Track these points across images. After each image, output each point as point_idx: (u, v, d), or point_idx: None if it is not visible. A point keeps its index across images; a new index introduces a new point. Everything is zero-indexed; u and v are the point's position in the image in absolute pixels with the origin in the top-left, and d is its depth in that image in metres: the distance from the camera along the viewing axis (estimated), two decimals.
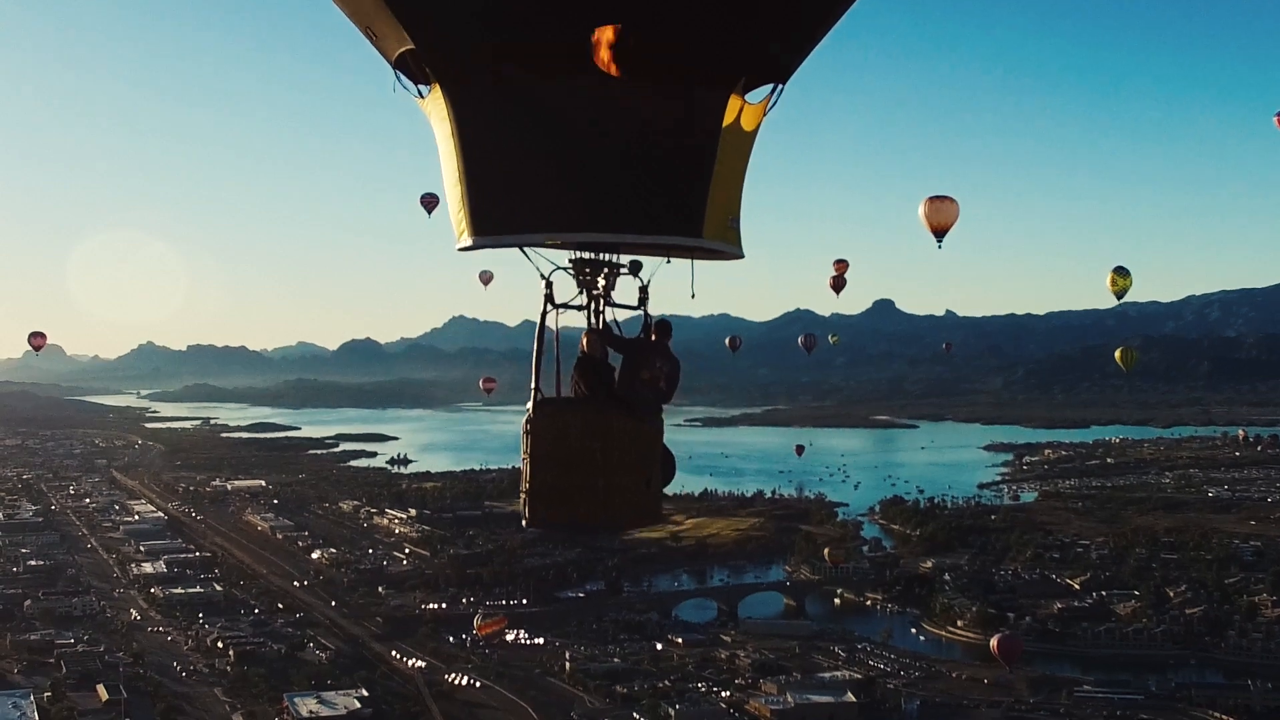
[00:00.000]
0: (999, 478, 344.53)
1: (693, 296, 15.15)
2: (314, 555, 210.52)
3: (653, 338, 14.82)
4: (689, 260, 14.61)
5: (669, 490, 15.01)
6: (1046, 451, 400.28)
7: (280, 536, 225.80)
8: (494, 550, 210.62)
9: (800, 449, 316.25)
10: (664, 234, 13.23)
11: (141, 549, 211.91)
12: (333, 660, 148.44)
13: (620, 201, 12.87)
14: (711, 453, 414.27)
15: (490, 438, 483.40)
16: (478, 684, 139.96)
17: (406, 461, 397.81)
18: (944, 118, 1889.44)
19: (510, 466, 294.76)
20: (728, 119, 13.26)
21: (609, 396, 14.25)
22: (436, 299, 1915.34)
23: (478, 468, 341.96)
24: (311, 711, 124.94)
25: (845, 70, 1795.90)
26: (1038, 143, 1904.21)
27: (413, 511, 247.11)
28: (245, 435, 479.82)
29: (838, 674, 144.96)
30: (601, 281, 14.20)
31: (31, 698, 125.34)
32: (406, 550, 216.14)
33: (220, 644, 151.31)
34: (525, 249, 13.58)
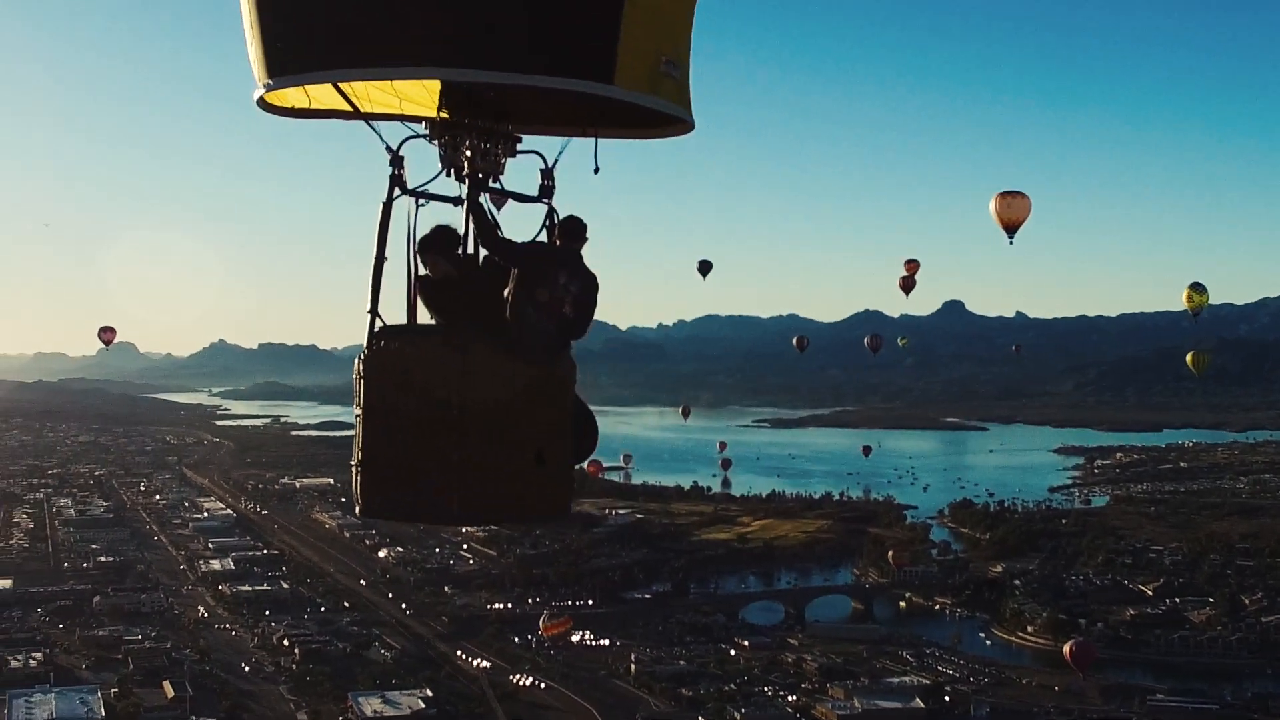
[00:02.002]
0: (1070, 481, 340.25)
1: (595, 171, 10.38)
2: (381, 554, 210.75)
3: (556, 242, 10.48)
4: (619, 132, 10.63)
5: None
6: (1118, 455, 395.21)
7: (347, 535, 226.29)
8: (560, 550, 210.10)
9: (867, 450, 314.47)
10: (547, 74, 8.78)
11: (210, 546, 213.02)
12: (397, 660, 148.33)
13: (480, 23, 8.63)
14: (779, 454, 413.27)
15: None
16: (542, 685, 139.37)
17: None
18: (1015, 116, 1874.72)
19: (577, 466, 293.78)
20: None
21: (482, 326, 9.95)
22: None
23: None
24: (376, 711, 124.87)
25: (917, 68, 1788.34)
26: (1111, 141, 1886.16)
27: None
28: (314, 433, 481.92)
29: (906, 679, 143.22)
30: (477, 156, 9.97)
31: (99, 694, 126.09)
32: (472, 549, 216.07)
33: (286, 642, 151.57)
34: (356, 103, 9.93)
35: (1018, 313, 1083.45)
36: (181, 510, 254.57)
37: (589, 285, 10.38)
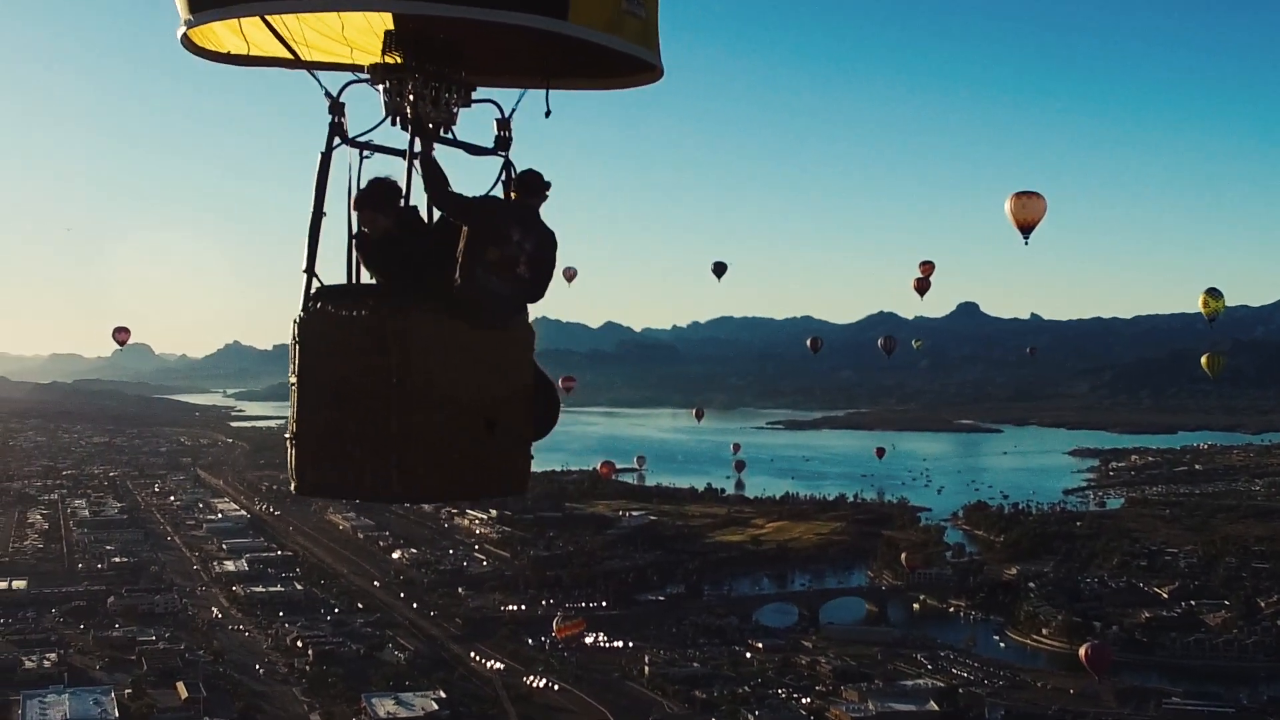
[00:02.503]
0: (1085, 483, 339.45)
1: (547, 115, 9.64)
2: (394, 555, 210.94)
3: (511, 196, 9.71)
4: (579, 82, 10.13)
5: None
6: (1133, 457, 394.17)
7: (361, 536, 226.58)
8: (574, 552, 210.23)
9: (881, 451, 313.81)
10: (496, 7, 8.09)
11: (224, 547, 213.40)
12: (411, 661, 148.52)
13: None
14: (793, 455, 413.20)
15: (572, 439, 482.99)
16: (556, 687, 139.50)
17: None
18: (1030, 117, 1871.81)
19: (591, 468, 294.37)
20: None
21: (427, 286, 9.19)
22: None
23: (559, 469, 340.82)
24: (389, 712, 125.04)
25: (933, 68, 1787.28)
26: (1127, 142, 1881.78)
27: (493, 512, 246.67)
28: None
29: (920, 682, 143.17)
30: (423, 103, 9.29)
31: (113, 694, 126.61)
32: (485, 551, 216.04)
33: (300, 643, 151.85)
34: (296, 49, 9.32)
35: (1032, 314, 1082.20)
36: (196, 511, 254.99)
37: (545, 243, 9.48)
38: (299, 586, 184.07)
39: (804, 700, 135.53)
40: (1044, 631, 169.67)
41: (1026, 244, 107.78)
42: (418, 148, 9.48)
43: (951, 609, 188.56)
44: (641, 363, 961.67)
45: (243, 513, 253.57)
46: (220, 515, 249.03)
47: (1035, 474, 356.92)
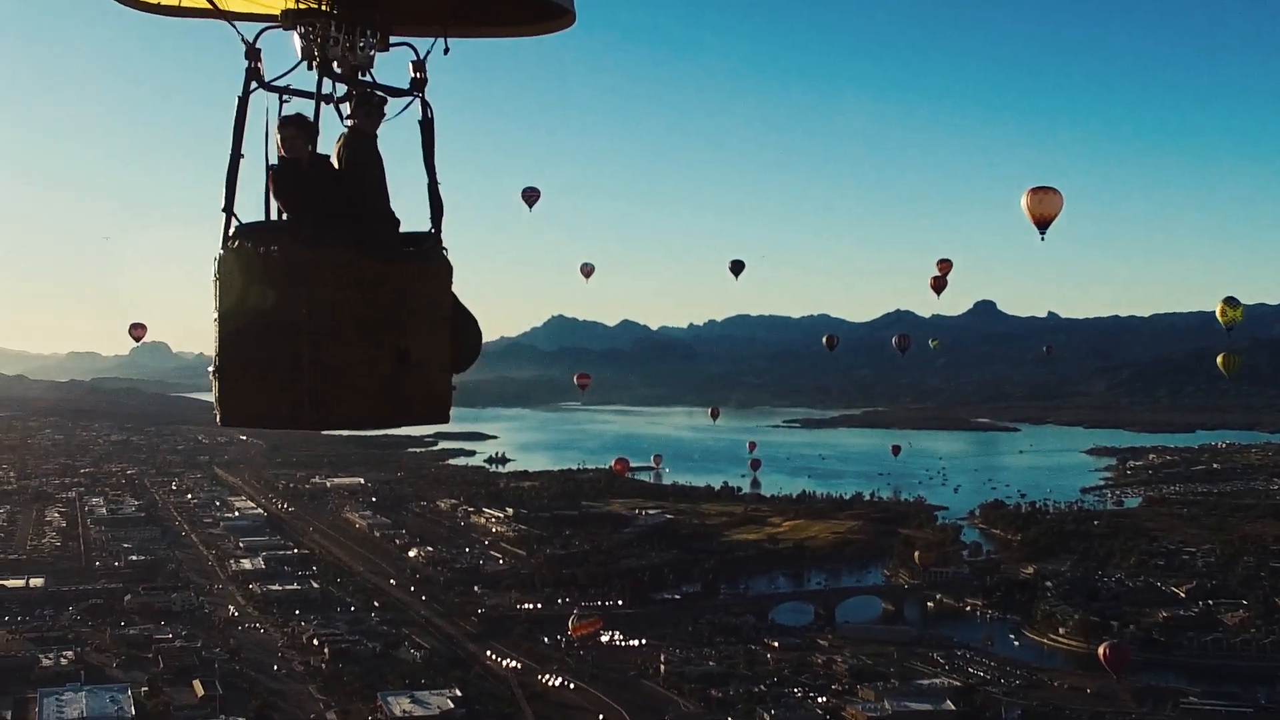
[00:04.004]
0: (1102, 482, 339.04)
1: (445, 52, 9.77)
2: (411, 553, 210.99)
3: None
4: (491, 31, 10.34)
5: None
6: (1151, 456, 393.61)
7: (378, 534, 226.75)
8: (590, 550, 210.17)
9: (896, 449, 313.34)
10: None
11: (241, 545, 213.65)
12: (427, 659, 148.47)
13: None
14: (810, 454, 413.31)
15: (588, 437, 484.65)
16: (571, 685, 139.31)
17: (504, 460, 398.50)
18: (1047, 114, 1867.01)
19: (607, 467, 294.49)
20: None
21: (337, 222, 9.46)
22: (536, 298, 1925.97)
23: (575, 467, 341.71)
24: (405, 711, 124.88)
25: (949, 66, 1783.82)
26: (1144, 140, 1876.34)
27: (510, 511, 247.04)
28: (345, 433, 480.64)
29: (936, 681, 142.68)
30: (338, 48, 9.47)
31: (129, 692, 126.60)
32: (501, 549, 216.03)
33: (316, 641, 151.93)
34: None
35: (1050, 313, 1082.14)
36: (212, 509, 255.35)
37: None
38: (315, 585, 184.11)
39: (820, 699, 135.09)
40: (1061, 631, 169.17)
41: (1043, 239, 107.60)
42: (336, 90, 9.74)
43: (968, 608, 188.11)
44: (658, 361, 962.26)
45: (260, 511, 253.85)
46: (237, 513, 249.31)
47: (1052, 473, 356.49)
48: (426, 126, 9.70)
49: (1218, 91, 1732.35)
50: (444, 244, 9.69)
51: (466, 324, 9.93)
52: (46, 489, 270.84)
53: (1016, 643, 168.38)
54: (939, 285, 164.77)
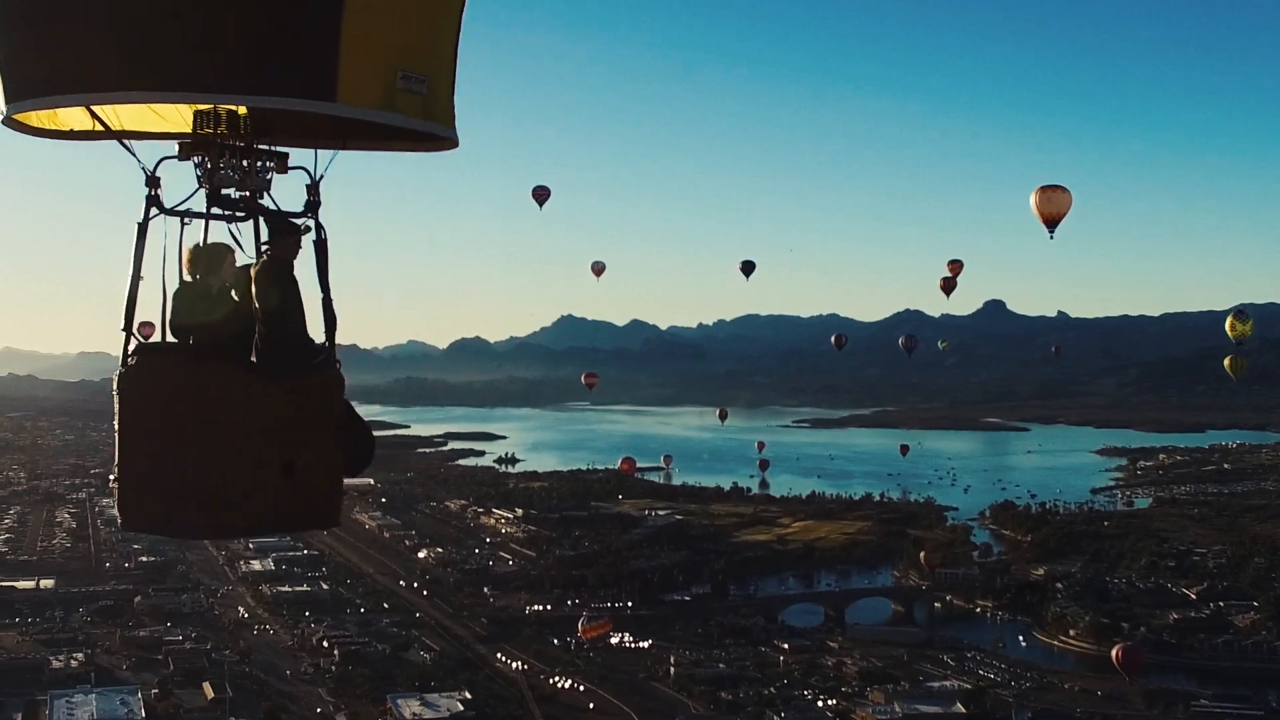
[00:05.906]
0: (1112, 483, 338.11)
1: (321, 179, 9.86)
2: (420, 554, 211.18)
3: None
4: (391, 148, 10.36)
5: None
6: (1161, 456, 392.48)
7: (387, 535, 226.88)
8: (600, 551, 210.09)
9: (905, 448, 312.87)
10: (269, 94, 8.44)
11: (250, 546, 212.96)
12: (436, 661, 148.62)
13: (176, 42, 8.23)
14: (819, 454, 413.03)
15: (598, 437, 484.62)
16: (581, 687, 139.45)
17: (514, 461, 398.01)
18: (1057, 114, 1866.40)
19: (616, 467, 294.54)
20: None
21: (235, 340, 9.62)
22: (546, 298, 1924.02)
23: (584, 467, 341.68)
24: (414, 713, 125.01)
25: (958, 67, 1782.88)
26: (1152, 137, 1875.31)
27: (519, 511, 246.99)
28: None
29: (946, 683, 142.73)
30: (232, 175, 9.54)
31: (139, 694, 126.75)
32: (511, 550, 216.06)
33: (325, 643, 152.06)
34: (108, 122, 9.55)
35: (1059, 312, 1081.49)
36: None
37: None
38: (325, 586, 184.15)
39: (830, 701, 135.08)
40: (1071, 632, 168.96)
41: (1052, 238, 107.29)
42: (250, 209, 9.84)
43: (978, 609, 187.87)
44: (667, 361, 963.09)
45: None
46: None
47: (1062, 473, 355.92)
48: (320, 247, 9.77)
49: (1228, 90, 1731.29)
50: (337, 357, 9.84)
51: (360, 431, 10.14)
52: (57, 490, 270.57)
53: (1026, 644, 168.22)
54: (948, 286, 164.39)
